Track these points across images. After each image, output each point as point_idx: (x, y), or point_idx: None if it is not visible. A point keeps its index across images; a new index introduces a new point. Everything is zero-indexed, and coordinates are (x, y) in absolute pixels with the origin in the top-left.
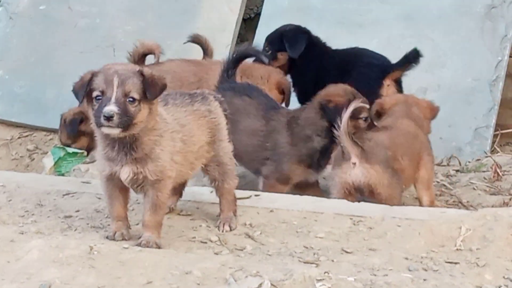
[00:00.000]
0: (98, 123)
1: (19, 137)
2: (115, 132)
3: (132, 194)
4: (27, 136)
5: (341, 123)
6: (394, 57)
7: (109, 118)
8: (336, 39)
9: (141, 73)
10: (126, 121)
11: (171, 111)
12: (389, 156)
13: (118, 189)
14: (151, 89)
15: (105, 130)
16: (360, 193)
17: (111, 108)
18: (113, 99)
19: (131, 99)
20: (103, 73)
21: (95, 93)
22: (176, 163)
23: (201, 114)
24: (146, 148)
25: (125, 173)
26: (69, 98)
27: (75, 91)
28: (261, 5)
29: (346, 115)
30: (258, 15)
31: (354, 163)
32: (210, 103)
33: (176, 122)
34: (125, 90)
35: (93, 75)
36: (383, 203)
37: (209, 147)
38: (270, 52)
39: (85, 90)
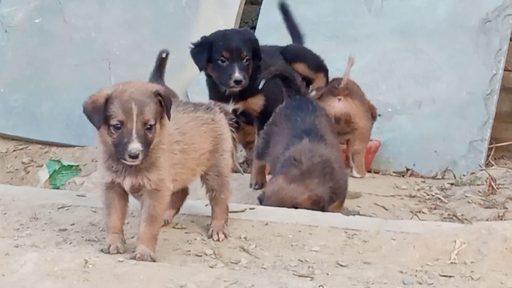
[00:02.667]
0: (121, 157)
1: (14, 150)
2: (137, 163)
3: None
4: (22, 149)
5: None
6: (389, 71)
7: (135, 156)
8: (331, 52)
9: (159, 94)
10: (147, 151)
11: (172, 118)
12: (362, 94)
13: (117, 198)
14: (169, 108)
15: (127, 163)
16: (338, 122)
17: (136, 146)
18: (134, 134)
19: (149, 127)
20: (119, 99)
21: (113, 121)
22: (171, 175)
23: (203, 121)
24: (153, 157)
25: (127, 183)
26: (65, 111)
27: (89, 115)
28: (256, 19)
29: (350, 64)
30: (253, 28)
31: (340, 98)
32: (214, 113)
33: (177, 131)
34: (144, 119)
35: (108, 100)
36: (357, 130)
37: (210, 155)
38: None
39: (101, 116)
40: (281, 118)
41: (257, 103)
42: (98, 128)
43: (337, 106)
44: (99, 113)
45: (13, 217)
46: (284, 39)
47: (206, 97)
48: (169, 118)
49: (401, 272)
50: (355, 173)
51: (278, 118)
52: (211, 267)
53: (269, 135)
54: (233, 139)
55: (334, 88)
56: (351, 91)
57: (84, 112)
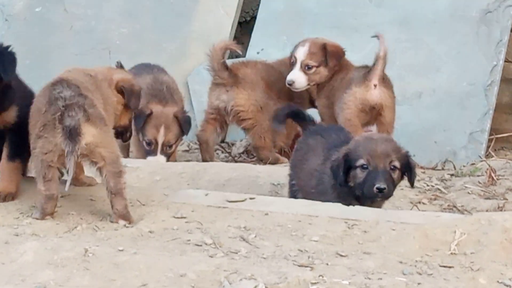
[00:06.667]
0: None
1: None
2: None
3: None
4: None
5: (382, 48)
6: (389, 61)
7: None
8: None
9: None
10: None
11: None
12: (392, 86)
13: None
14: None
15: None
16: (369, 111)
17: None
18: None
19: None
20: None
21: None
22: None
23: None
24: None
25: None
26: None
27: None
28: (257, 9)
29: (384, 43)
30: (253, 18)
31: (376, 85)
32: None
33: None
34: None
35: None
36: (385, 127)
37: None
38: None
39: None
40: (308, 143)
41: (9, 115)
42: None
43: (373, 93)
44: None
45: (13, 206)
46: (285, 29)
47: (207, 87)
48: None
49: (401, 262)
50: None
51: (304, 146)
52: (211, 256)
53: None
54: None
55: (367, 72)
56: (385, 79)
57: None
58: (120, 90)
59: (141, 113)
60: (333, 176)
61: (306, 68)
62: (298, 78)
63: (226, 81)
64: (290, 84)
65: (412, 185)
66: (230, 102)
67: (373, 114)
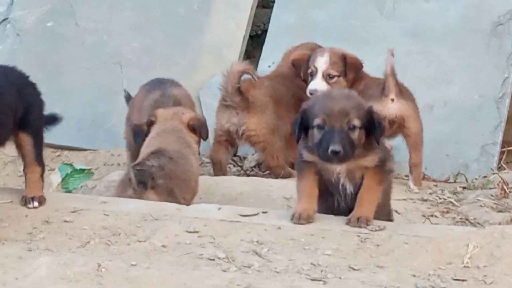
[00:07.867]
0: None
1: None
2: None
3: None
4: None
5: (388, 66)
6: (400, 74)
7: None
8: None
9: None
10: None
11: None
12: (414, 98)
13: None
14: None
15: None
16: (390, 125)
17: None
18: None
19: None
20: None
21: None
22: None
23: None
24: None
25: None
26: (77, 114)
27: None
28: (268, 22)
29: (391, 59)
30: (265, 32)
31: (393, 99)
32: None
33: None
34: None
35: None
36: (412, 138)
37: None
38: None
39: None
40: None
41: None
42: None
43: (390, 107)
44: None
45: (26, 221)
46: (295, 43)
47: (218, 100)
48: None
49: (414, 276)
50: (411, 185)
51: None
52: (224, 271)
53: None
54: None
55: (384, 88)
56: (404, 91)
57: None
58: (192, 128)
59: (139, 130)
60: (292, 132)
61: (328, 77)
62: (321, 88)
63: (237, 105)
64: (312, 94)
65: (378, 142)
66: (241, 126)
67: (395, 128)
